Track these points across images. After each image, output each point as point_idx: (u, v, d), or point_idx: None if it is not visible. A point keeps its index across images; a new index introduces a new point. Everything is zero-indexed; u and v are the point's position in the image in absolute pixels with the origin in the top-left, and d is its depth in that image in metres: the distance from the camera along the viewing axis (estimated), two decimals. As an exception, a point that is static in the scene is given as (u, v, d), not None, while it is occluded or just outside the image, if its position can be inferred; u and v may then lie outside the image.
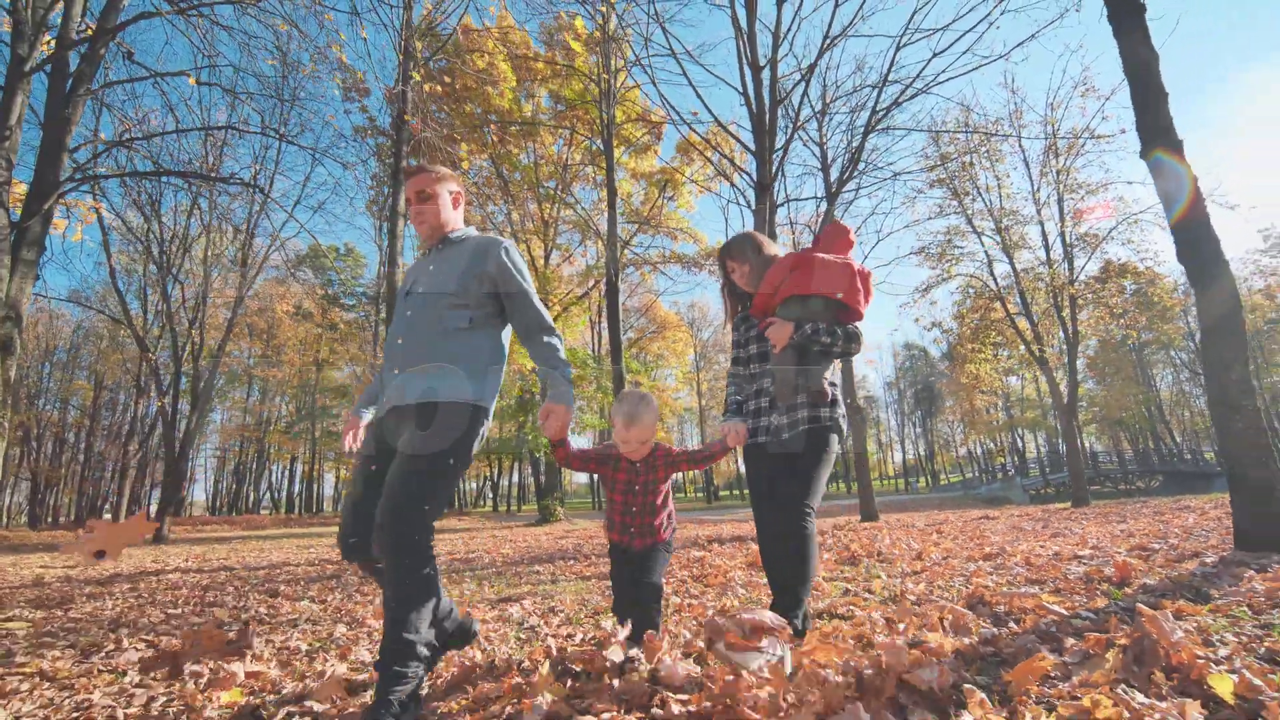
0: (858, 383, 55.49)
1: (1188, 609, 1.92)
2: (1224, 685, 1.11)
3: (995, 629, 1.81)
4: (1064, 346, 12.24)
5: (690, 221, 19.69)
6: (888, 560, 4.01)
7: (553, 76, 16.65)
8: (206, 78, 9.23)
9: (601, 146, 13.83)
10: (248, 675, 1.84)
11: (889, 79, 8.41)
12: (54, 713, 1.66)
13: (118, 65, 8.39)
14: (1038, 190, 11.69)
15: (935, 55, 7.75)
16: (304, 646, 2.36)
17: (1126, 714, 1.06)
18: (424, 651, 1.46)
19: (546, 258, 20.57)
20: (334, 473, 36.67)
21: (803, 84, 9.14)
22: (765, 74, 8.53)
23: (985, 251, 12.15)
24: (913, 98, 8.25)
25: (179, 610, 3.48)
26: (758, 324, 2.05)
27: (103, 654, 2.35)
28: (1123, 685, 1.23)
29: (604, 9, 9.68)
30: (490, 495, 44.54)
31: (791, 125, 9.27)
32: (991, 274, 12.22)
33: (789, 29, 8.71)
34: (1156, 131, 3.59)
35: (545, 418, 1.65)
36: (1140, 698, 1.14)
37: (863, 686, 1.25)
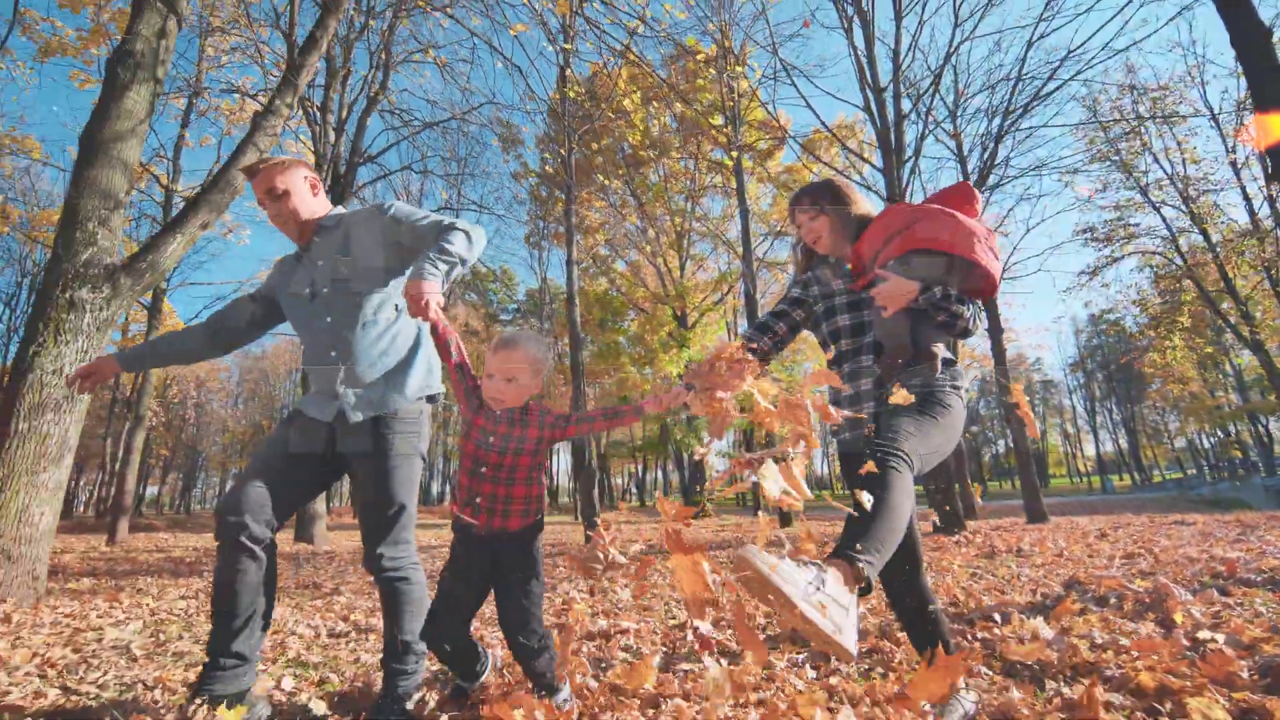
0: (1028, 367, 48.56)
1: (1253, 593, 2.49)
2: (1179, 616, 1.90)
3: (1067, 594, 2.59)
4: (1286, 323, 10.51)
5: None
6: (1026, 555, 4.54)
7: (676, 99, 17.97)
8: (409, 165, 12.28)
9: (727, 157, 14.79)
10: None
11: (1024, 74, 8.26)
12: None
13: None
14: (1233, 150, 10.21)
15: (1070, 53, 7.54)
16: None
17: (1099, 625, 1.92)
18: None
19: (682, 268, 22.06)
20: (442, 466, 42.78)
21: (931, 88, 9.21)
22: (888, 93, 8.86)
23: (1167, 225, 10.89)
24: (1051, 93, 8.05)
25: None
26: (846, 286, 1.60)
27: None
28: (1125, 619, 2.05)
29: (724, 30, 10.43)
30: (635, 490, 47.74)
31: (920, 129, 9.31)
32: (1177, 249, 10.90)
33: (910, 43, 8.91)
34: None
35: (405, 295, 1.43)
36: (1121, 622, 1.97)
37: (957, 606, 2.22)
